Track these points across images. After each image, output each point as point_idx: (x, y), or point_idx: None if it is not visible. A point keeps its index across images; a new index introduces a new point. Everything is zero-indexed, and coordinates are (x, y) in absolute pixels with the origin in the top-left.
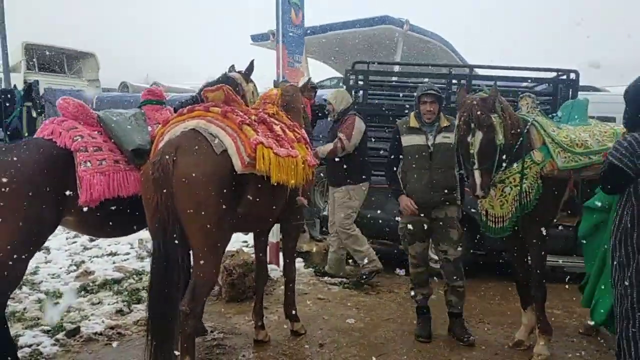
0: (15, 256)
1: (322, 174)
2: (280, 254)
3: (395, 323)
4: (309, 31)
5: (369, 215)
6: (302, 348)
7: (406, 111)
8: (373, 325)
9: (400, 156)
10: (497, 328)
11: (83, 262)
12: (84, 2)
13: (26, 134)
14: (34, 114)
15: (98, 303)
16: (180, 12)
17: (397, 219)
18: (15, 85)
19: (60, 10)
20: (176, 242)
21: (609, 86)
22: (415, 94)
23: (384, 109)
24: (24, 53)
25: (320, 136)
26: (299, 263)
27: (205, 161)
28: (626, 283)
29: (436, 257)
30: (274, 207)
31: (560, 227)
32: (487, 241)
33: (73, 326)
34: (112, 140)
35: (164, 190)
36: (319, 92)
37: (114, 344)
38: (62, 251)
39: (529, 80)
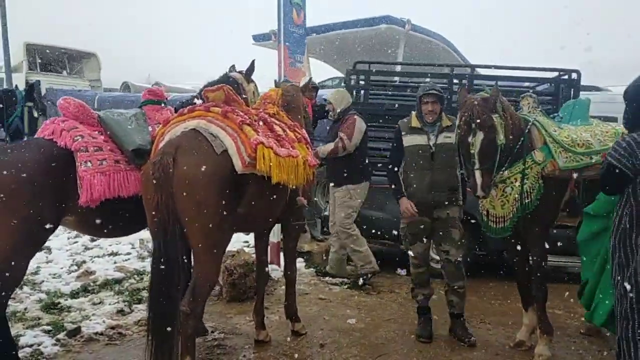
0: (15, 256)
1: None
2: (282, 254)
3: (396, 323)
4: (310, 31)
5: (369, 216)
6: (303, 348)
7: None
8: (374, 326)
9: (402, 156)
10: (498, 328)
11: (84, 262)
12: (84, 2)
13: (27, 134)
14: (36, 114)
15: (99, 303)
16: (182, 12)
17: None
18: (16, 86)
19: (61, 10)
20: (176, 242)
21: (611, 86)
22: (416, 93)
23: (386, 109)
24: (26, 53)
25: (320, 136)
26: (300, 263)
27: (205, 161)
28: (625, 283)
29: (437, 257)
30: (275, 207)
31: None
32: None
33: (74, 326)
34: (113, 140)
35: (165, 191)
36: (320, 92)
37: (115, 343)
38: (63, 251)
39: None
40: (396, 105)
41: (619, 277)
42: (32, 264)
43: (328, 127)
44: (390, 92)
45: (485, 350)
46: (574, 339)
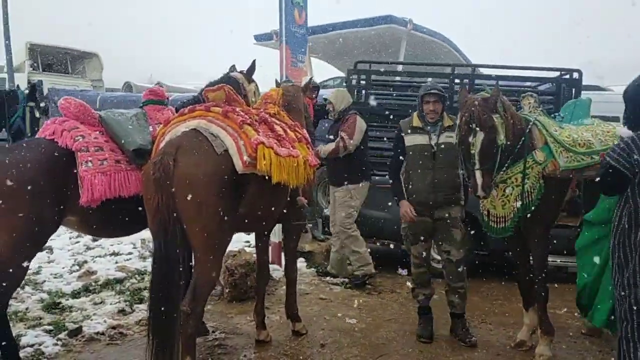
0: (16, 256)
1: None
2: (282, 254)
3: (397, 323)
4: (312, 31)
5: (371, 215)
6: (304, 348)
7: (410, 110)
8: (375, 326)
9: (404, 156)
10: (499, 328)
11: (86, 262)
12: (84, 2)
13: (29, 134)
14: (37, 114)
15: (100, 303)
16: (183, 12)
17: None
18: (18, 86)
19: (61, 10)
20: (177, 242)
21: (613, 85)
22: (418, 93)
23: (388, 108)
24: (28, 53)
25: (321, 136)
26: (301, 263)
27: (206, 161)
28: (625, 284)
29: (439, 257)
30: (275, 207)
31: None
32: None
33: (75, 326)
34: (114, 140)
35: (165, 190)
36: (321, 91)
37: (116, 343)
38: (65, 251)
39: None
40: (397, 107)
41: (619, 278)
42: (34, 264)
43: (328, 127)
44: (392, 92)
45: (486, 351)
46: (575, 339)
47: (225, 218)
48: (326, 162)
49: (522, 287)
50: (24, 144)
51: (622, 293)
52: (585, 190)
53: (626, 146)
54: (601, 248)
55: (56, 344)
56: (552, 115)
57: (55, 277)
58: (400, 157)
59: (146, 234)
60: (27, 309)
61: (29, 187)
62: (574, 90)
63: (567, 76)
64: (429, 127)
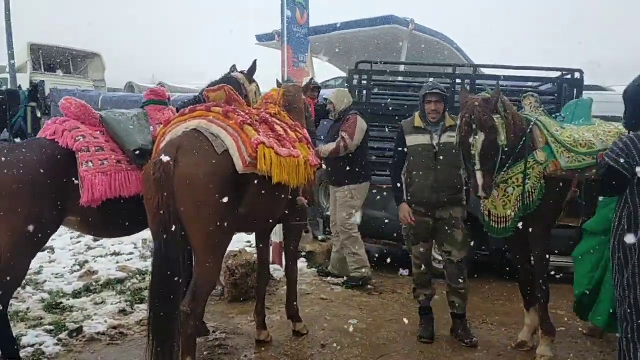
0: (17, 256)
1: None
2: (283, 254)
3: (398, 324)
4: (313, 31)
5: (372, 216)
6: (304, 349)
7: (412, 111)
8: (376, 326)
9: (405, 156)
10: (500, 329)
11: (87, 262)
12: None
13: (31, 135)
14: (39, 114)
15: (101, 303)
16: (184, 12)
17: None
18: (20, 86)
19: (61, 10)
20: (177, 242)
21: (615, 86)
22: (419, 93)
23: (390, 108)
24: (30, 53)
25: (322, 137)
26: (302, 263)
27: (206, 161)
28: (625, 285)
29: (440, 258)
30: (276, 208)
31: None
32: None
33: (76, 326)
34: (114, 140)
35: (165, 190)
36: (323, 91)
37: (117, 343)
38: (66, 251)
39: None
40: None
41: (619, 278)
42: (35, 264)
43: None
44: (393, 92)
45: (487, 351)
46: (576, 339)
47: (226, 218)
48: (327, 162)
49: (522, 288)
50: (25, 144)
51: (622, 294)
52: (586, 190)
53: (625, 146)
54: (600, 257)
55: (57, 344)
56: (554, 115)
57: (56, 277)
58: (402, 158)
59: (147, 234)
60: (28, 309)
61: (29, 187)
62: (575, 90)
63: (569, 76)
64: (430, 127)
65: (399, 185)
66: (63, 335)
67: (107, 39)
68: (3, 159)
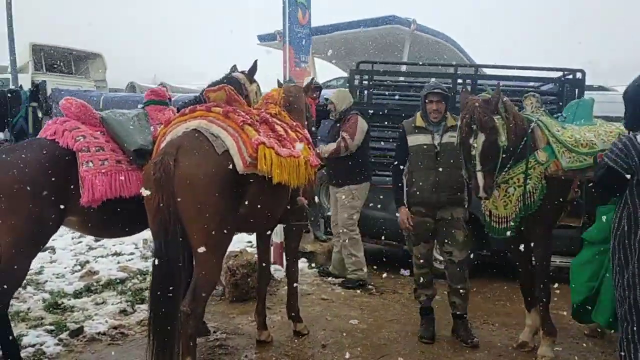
0: (17, 256)
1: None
2: (284, 254)
3: (399, 324)
4: (315, 31)
5: (372, 216)
6: (305, 349)
7: (413, 111)
8: (376, 326)
9: (407, 156)
10: (501, 329)
11: (88, 262)
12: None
13: (32, 135)
14: (40, 115)
15: (102, 303)
16: (185, 12)
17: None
18: (21, 86)
19: (61, 10)
20: (177, 242)
21: (617, 85)
22: (421, 93)
23: (391, 108)
24: (32, 53)
25: (323, 137)
26: (303, 263)
27: (206, 161)
28: (625, 285)
29: (441, 258)
30: (276, 208)
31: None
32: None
33: (77, 326)
34: (115, 141)
35: (166, 191)
36: (324, 91)
37: (117, 343)
38: (67, 251)
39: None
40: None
41: (619, 279)
42: (36, 264)
43: (329, 128)
44: (393, 92)
45: (487, 352)
46: (577, 340)
47: (226, 218)
48: (327, 162)
49: (524, 288)
50: (25, 144)
51: (622, 294)
52: (587, 190)
53: (624, 147)
54: (600, 266)
55: (57, 344)
56: (555, 115)
57: (57, 277)
58: (403, 158)
59: (148, 234)
60: (28, 309)
61: (29, 187)
62: (577, 90)
63: (570, 76)
64: (432, 127)
65: (399, 185)
66: (64, 335)
67: (107, 39)
68: (3, 159)
